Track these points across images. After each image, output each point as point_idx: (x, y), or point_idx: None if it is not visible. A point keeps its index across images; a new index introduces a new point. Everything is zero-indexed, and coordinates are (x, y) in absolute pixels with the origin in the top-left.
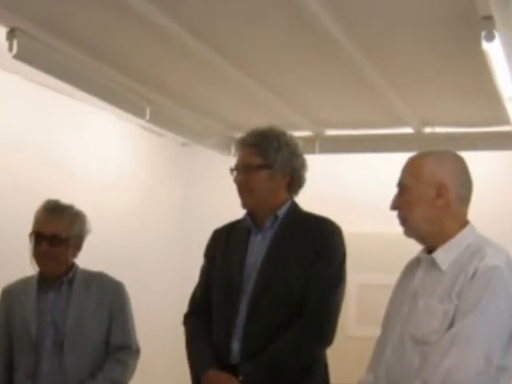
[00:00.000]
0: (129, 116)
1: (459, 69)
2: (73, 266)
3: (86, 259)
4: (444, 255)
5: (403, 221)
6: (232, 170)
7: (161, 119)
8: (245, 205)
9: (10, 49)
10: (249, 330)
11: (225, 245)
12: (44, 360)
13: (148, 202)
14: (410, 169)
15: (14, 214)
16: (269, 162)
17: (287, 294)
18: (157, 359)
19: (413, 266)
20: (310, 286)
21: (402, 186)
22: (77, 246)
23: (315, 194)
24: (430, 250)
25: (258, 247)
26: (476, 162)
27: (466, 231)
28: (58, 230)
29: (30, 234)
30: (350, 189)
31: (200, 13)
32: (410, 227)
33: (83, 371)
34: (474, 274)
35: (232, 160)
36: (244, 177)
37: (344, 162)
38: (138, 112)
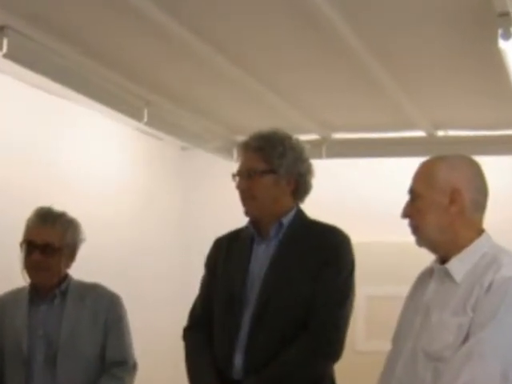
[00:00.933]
0: (125, 118)
1: (474, 68)
2: (66, 276)
3: (80, 270)
4: (458, 265)
5: (415, 229)
6: (234, 176)
7: (159, 122)
8: (248, 212)
9: (0, 48)
10: (252, 344)
11: (227, 254)
12: (36, 376)
13: (145, 209)
14: (421, 174)
15: (3, 220)
16: (273, 167)
17: (292, 306)
18: (155, 375)
19: (425, 276)
20: (316, 298)
21: (413, 192)
22: (70, 255)
23: (322, 200)
24: (443, 259)
25: (261, 257)
26: (492, 166)
27: (481, 240)
28: (50, 238)
29: (21, 243)
30: (359, 195)
31: (200, 10)
32: (422, 236)
33: None
34: (490, 285)
35: (234, 165)
36: (247, 183)
37: (352, 167)
38: (135, 114)
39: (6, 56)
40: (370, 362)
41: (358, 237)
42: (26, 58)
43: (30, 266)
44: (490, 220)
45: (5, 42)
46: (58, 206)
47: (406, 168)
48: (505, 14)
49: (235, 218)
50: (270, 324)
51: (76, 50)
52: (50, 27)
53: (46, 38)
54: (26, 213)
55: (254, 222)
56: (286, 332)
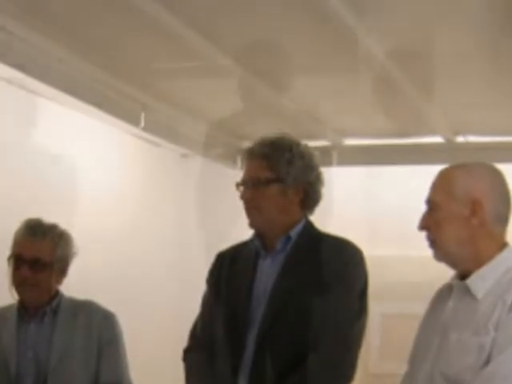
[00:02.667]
0: (120, 123)
1: (496, 67)
2: (57, 293)
3: (72, 286)
4: (479, 281)
5: (433, 242)
6: (238, 185)
7: (157, 127)
8: (253, 224)
9: None
10: (257, 366)
11: (230, 270)
12: None
13: (142, 222)
14: (440, 184)
15: None
16: (280, 175)
17: (300, 326)
18: None
19: (444, 294)
20: (326, 317)
21: (431, 203)
22: (61, 270)
23: (332, 211)
24: (463, 275)
25: (267, 272)
26: None
27: (504, 254)
28: (40, 252)
29: (9, 258)
30: (372, 206)
31: (201, 6)
32: (440, 249)
33: None
34: None
35: (238, 173)
36: (252, 193)
37: (365, 175)
38: (131, 119)
39: None
40: None
41: (372, 250)
42: (9, 55)
43: (18, 281)
44: None
45: None
46: (49, 218)
47: (423, 176)
48: None
49: (239, 230)
50: (277, 345)
51: (64, 48)
52: (35, 21)
53: (30, 33)
54: (13, 225)
55: (260, 235)
56: (294, 353)
